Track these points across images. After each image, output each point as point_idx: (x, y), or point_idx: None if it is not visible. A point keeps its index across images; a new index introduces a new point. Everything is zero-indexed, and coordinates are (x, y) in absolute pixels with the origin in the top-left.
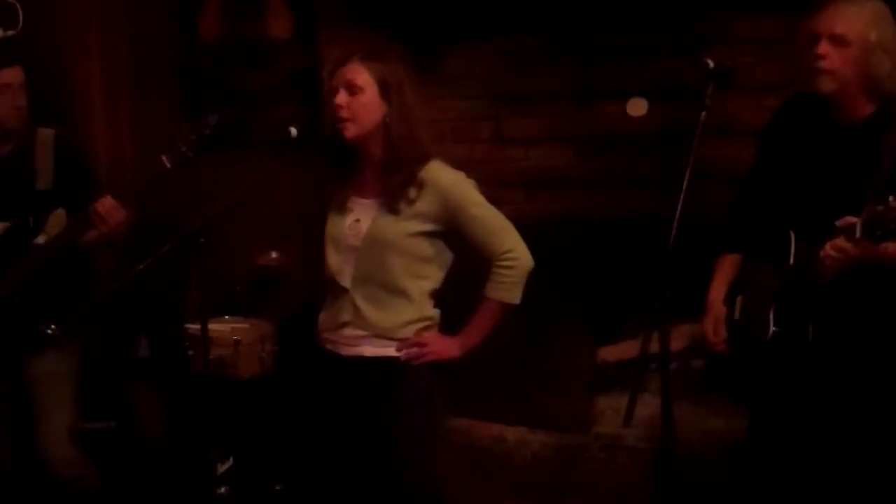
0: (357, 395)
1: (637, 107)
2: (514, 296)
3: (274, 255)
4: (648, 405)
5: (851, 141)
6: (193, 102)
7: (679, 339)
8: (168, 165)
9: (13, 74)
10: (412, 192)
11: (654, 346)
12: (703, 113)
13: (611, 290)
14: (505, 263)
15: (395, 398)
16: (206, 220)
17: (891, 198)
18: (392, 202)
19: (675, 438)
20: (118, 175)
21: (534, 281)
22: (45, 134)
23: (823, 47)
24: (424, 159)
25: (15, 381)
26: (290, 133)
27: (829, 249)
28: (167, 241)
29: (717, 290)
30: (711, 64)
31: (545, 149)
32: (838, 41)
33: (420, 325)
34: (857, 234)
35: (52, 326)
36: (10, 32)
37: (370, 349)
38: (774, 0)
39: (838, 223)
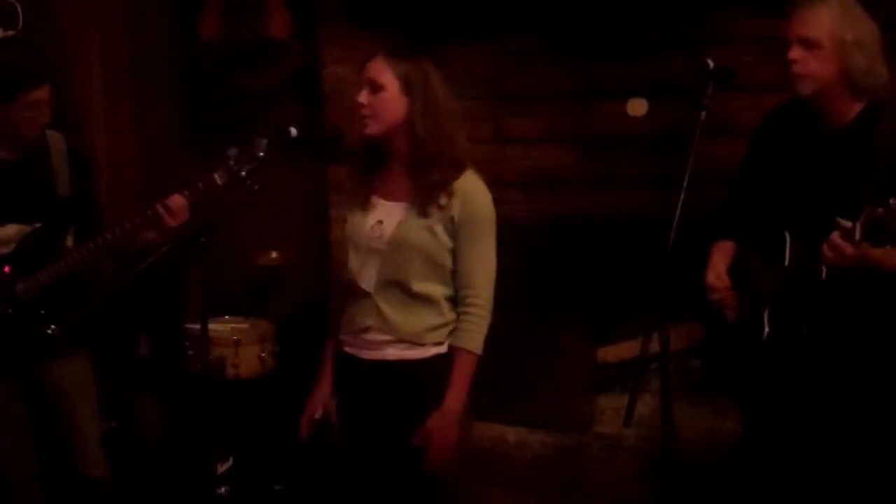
0: (379, 399)
1: (637, 107)
2: (477, 345)
3: (274, 255)
4: (648, 405)
5: (841, 143)
6: (193, 102)
7: (679, 339)
8: (219, 183)
9: (43, 93)
10: (443, 199)
11: (654, 346)
12: (703, 113)
13: (611, 290)
14: (471, 310)
15: (419, 402)
16: (206, 220)
17: (891, 200)
18: (422, 206)
19: (675, 438)
20: (118, 175)
21: (534, 281)
22: (56, 138)
23: (794, 52)
24: (461, 166)
25: (31, 385)
26: (290, 133)
27: (826, 250)
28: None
29: (718, 261)
30: (711, 64)
31: (545, 149)
32: (809, 44)
33: (446, 329)
34: (857, 237)
35: (52, 327)
36: (10, 32)
37: (394, 353)
38: (775, 0)
39: (837, 223)
